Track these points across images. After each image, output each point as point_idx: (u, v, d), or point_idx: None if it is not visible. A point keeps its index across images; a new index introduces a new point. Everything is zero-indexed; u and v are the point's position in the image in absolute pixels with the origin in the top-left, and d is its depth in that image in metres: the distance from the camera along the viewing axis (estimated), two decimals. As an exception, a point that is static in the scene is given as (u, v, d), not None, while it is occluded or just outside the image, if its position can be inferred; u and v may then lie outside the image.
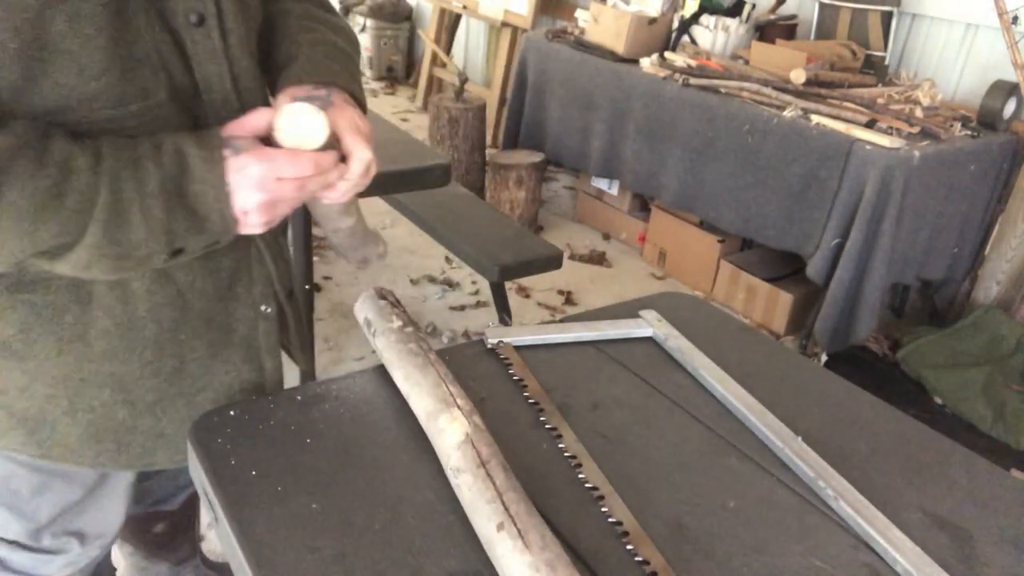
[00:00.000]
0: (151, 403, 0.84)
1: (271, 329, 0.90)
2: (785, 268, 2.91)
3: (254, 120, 0.72)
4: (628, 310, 1.05)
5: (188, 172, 0.67)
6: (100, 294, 0.77)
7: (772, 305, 2.85)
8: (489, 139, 4.12)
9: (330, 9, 0.95)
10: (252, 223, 0.71)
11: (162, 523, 1.38)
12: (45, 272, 0.71)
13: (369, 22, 5.36)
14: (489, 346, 0.94)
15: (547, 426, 0.82)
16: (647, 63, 3.03)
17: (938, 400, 2.41)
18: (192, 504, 1.30)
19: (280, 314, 0.92)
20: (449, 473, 0.70)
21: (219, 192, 0.68)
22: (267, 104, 0.86)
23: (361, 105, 0.86)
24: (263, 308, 0.88)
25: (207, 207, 0.68)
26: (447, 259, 3.13)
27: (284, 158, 0.69)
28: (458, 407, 0.73)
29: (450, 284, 2.99)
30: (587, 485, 0.74)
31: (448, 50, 4.88)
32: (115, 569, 1.16)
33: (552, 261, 2.22)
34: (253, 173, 0.69)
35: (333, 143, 0.75)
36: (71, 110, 0.67)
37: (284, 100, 0.79)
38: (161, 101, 0.71)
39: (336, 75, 0.84)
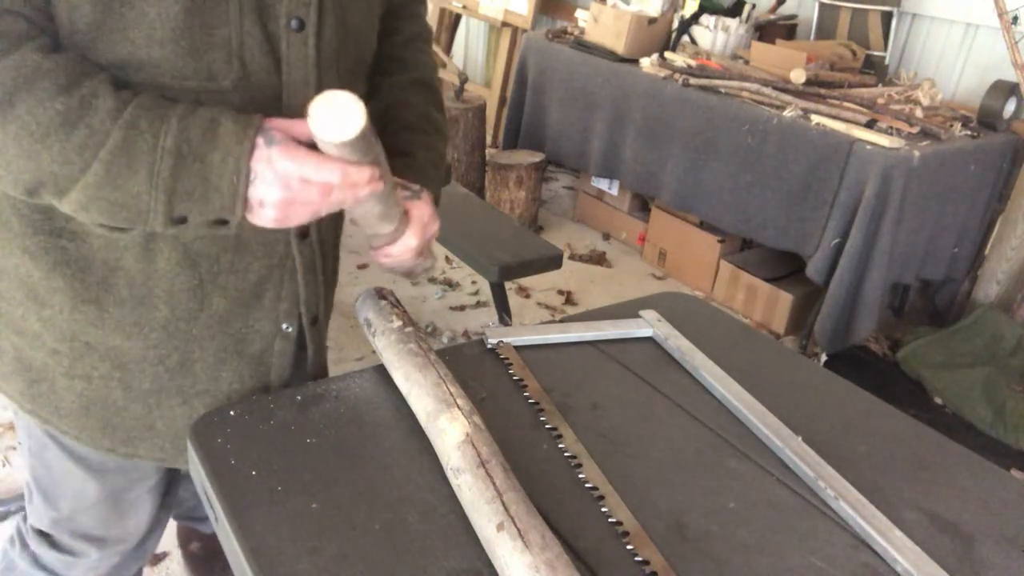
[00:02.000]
0: (146, 391, 0.84)
1: (287, 350, 0.88)
2: (785, 268, 2.91)
3: (301, 127, 0.69)
4: (628, 310, 1.05)
5: (215, 140, 0.66)
6: (127, 264, 0.78)
7: (772, 305, 2.85)
8: (489, 139, 4.12)
9: (441, 109, 1.00)
10: (266, 217, 0.70)
11: (197, 542, 1.39)
12: (84, 226, 0.75)
13: (369, 22, 5.36)
14: (489, 346, 0.94)
15: (547, 426, 0.82)
16: (647, 63, 3.03)
17: (938, 400, 2.41)
18: None
19: (300, 338, 0.90)
20: (449, 473, 0.69)
21: (239, 168, 0.66)
22: None
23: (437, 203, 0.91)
24: (284, 326, 0.86)
25: (221, 179, 0.67)
26: (447, 259, 3.13)
27: (313, 161, 0.67)
28: (458, 407, 0.73)
29: (450, 284, 2.99)
30: (587, 485, 0.74)
31: (448, 50, 4.88)
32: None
33: (552, 261, 2.22)
34: (279, 168, 0.67)
35: (393, 212, 0.76)
36: (132, 68, 0.68)
37: None
38: (224, 88, 0.71)
39: (432, 182, 0.89)
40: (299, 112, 0.74)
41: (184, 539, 1.41)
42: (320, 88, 0.74)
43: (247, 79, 0.73)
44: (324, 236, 0.88)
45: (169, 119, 0.66)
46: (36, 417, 0.87)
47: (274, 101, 0.75)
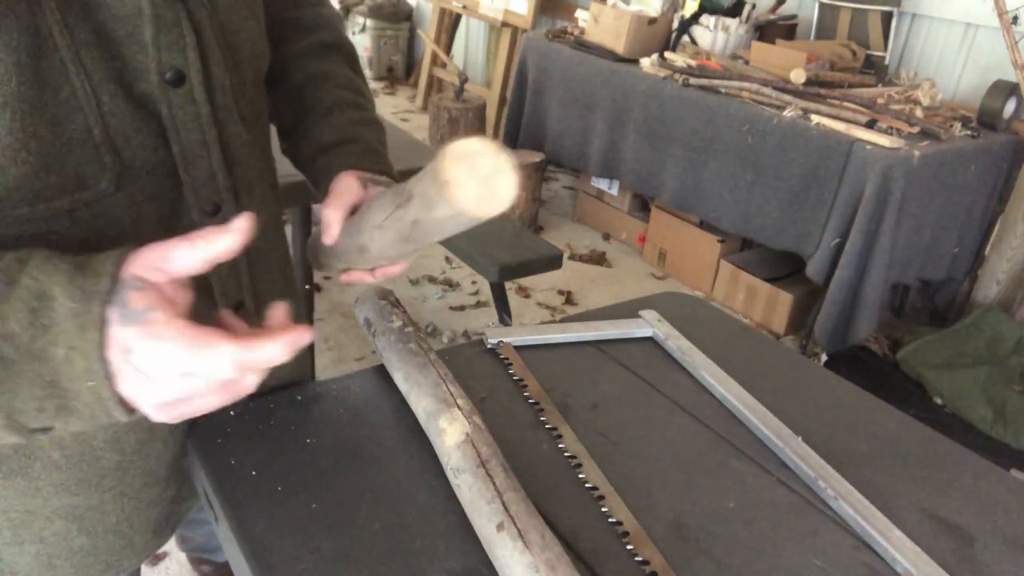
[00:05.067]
0: (114, 523, 0.73)
1: None
2: (785, 268, 2.91)
3: (183, 252, 0.46)
4: (628, 310, 1.05)
5: (50, 328, 0.44)
6: None
7: (772, 305, 2.85)
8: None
9: (359, 69, 0.84)
10: (152, 415, 0.48)
11: (208, 566, 1.38)
12: None
13: (369, 22, 5.36)
14: (489, 346, 0.94)
15: (547, 426, 0.81)
16: (647, 63, 3.03)
17: (938, 400, 2.41)
18: None
19: None
20: (449, 473, 0.69)
21: (92, 366, 0.44)
22: (268, 180, 0.74)
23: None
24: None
25: (76, 382, 0.45)
26: (447, 259, 3.13)
27: (187, 347, 0.44)
28: (458, 407, 0.73)
29: (450, 284, 2.99)
30: (587, 485, 0.74)
31: (448, 50, 4.87)
32: None
33: (552, 261, 2.21)
34: (140, 362, 0.44)
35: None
36: None
37: (350, 184, 0.68)
38: (103, 192, 0.55)
39: (388, 163, 0.75)
40: (205, 187, 0.61)
41: (195, 563, 1.41)
42: (225, 144, 0.62)
43: (129, 170, 0.56)
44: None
45: None
46: None
47: (170, 182, 0.60)
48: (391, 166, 0.77)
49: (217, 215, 0.64)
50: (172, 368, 0.45)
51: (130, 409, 0.47)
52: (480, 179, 0.49)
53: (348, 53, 0.84)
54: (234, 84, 0.63)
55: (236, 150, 0.65)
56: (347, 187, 0.70)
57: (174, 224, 0.62)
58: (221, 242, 0.47)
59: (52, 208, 0.52)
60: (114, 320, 0.44)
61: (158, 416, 0.48)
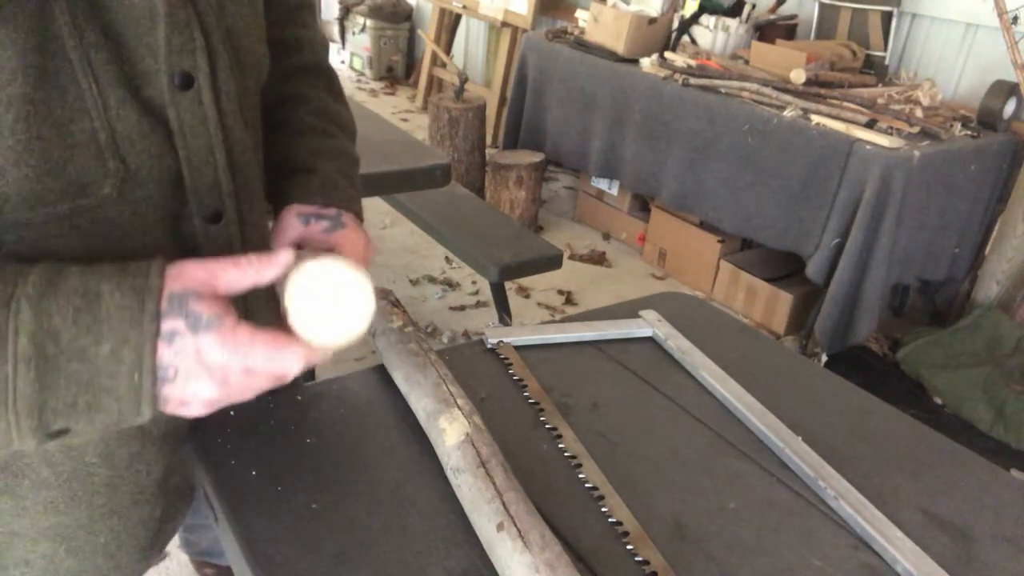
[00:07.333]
0: (103, 544, 0.71)
1: None
2: (785, 268, 2.91)
3: (224, 272, 0.50)
4: (628, 310, 1.05)
5: (97, 323, 0.46)
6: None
7: (772, 305, 2.85)
8: (489, 139, 4.12)
9: (340, 97, 0.83)
10: (190, 412, 0.52)
11: (211, 569, 1.38)
12: None
13: (369, 22, 5.37)
14: (489, 346, 0.94)
15: (547, 426, 0.82)
16: (647, 63, 3.03)
17: (938, 400, 2.41)
18: None
19: None
20: (449, 473, 0.69)
21: (141, 364, 0.47)
22: (263, 189, 0.73)
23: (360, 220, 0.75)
24: None
25: (115, 378, 0.47)
26: (447, 259, 3.13)
27: (265, 348, 0.49)
28: (458, 407, 0.73)
29: (450, 284, 2.99)
30: (587, 485, 0.74)
31: (448, 50, 4.88)
32: None
33: (552, 261, 2.22)
34: (212, 361, 0.49)
35: None
36: None
37: (291, 223, 0.68)
38: (105, 197, 0.53)
39: (349, 197, 0.73)
40: (208, 193, 0.61)
41: (199, 565, 1.42)
42: (229, 149, 0.62)
43: (133, 176, 0.54)
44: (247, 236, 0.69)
45: (17, 306, 0.46)
46: None
47: (173, 188, 0.59)
48: (352, 197, 0.75)
49: (219, 222, 0.64)
50: (246, 364, 0.49)
51: (159, 407, 0.50)
52: (329, 307, 0.49)
53: (328, 78, 0.83)
54: (238, 89, 0.63)
55: (239, 156, 0.64)
56: (286, 226, 0.69)
57: (176, 230, 0.61)
58: (269, 271, 0.51)
59: (52, 212, 0.52)
60: (180, 328, 0.48)
61: (202, 410, 0.51)
